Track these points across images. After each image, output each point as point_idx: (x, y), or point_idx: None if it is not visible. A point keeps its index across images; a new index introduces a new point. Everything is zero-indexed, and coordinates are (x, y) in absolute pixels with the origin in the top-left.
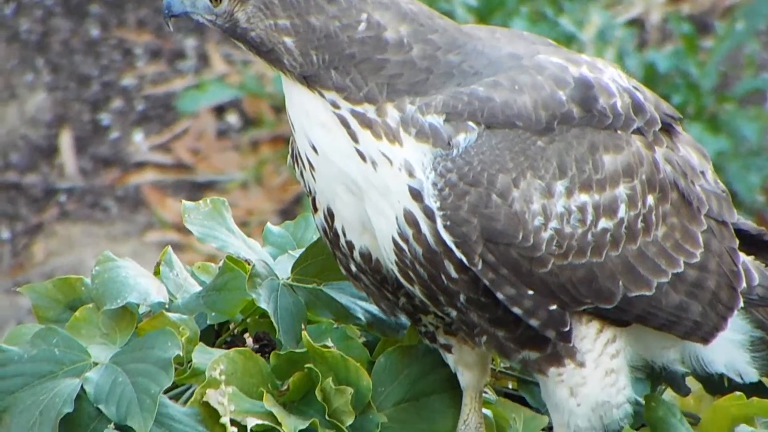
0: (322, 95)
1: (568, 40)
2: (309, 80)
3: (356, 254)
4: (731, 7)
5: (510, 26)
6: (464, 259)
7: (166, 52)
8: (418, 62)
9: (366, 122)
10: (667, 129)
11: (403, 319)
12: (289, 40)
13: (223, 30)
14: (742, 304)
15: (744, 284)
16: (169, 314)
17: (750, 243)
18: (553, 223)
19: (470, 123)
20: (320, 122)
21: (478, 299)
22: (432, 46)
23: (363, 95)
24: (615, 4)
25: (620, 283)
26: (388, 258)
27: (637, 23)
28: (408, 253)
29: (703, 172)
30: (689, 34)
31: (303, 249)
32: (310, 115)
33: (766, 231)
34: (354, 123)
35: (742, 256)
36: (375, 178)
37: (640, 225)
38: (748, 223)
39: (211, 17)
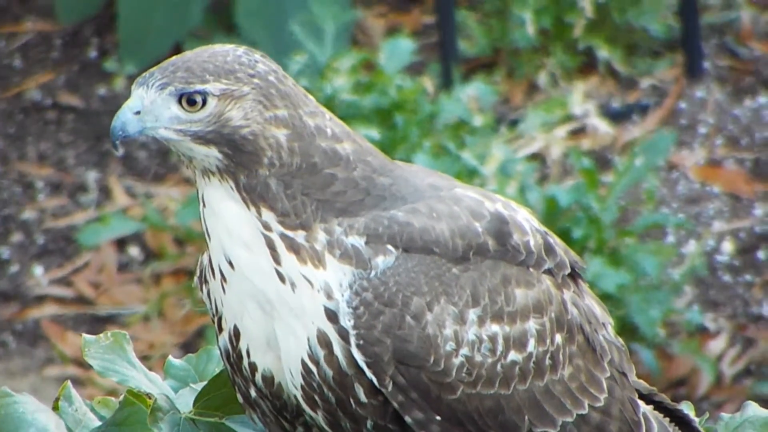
0: (259, 214)
1: (470, 174)
2: (255, 195)
3: (258, 377)
4: (630, 142)
5: (413, 160)
6: (375, 380)
7: (67, 186)
8: (360, 182)
9: (294, 247)
10: (574, 277)
11: None
12: (284, 134)
13: (197, 136)
14: None
15: None
16: None
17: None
18: (464, 350)
19: (389, 246)
20: (243, 242)
21: (385, 426)
22: (369, 167)
23: (300, 222)
24: (516, 138)
25: (526, 417)
26: (292, 381)
27: (538, 158)
28: (317, 376)
29: (604, 324)
30: (589, 168)
31: (205, 382)
32: (233, 233)
33: (656, 391)
34: (281, 246)
35: (642, 406)
36: (291, 298)
37: (547, 362)
38: (640, 382)
39: (182, 127)
